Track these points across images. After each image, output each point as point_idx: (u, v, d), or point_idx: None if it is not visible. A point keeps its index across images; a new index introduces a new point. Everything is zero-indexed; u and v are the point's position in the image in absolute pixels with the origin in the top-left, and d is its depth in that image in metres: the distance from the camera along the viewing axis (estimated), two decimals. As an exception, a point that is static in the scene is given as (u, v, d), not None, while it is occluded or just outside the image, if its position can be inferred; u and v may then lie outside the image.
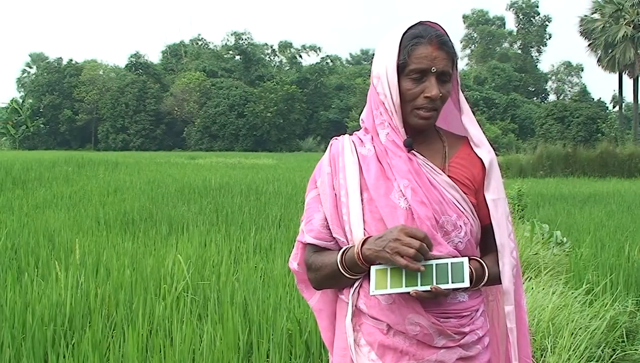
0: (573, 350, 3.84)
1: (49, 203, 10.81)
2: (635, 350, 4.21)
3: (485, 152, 1.73)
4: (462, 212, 1.68)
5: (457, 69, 1.74)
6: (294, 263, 1.85)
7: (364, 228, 1.68)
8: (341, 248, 1.71)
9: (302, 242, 1.79)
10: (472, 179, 1.73)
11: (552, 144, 28.25)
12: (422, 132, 1.73)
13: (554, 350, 3.88)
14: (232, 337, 3.71)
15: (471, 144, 1.76)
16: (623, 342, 4.35)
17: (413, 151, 1.70)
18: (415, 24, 1.69)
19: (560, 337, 4.00)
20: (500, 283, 1.72)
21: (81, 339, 3.74)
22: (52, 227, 7.97)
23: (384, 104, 1.70)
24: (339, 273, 1.67)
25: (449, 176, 1.70)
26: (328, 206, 1.73)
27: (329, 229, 1.73)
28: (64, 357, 3.49)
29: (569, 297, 4.82)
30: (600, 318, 4.39)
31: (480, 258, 1.72)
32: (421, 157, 1.70)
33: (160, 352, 3.55)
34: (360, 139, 1.77)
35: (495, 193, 1.72)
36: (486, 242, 1.76)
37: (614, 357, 4.10)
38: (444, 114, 1.83)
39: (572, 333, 4.02)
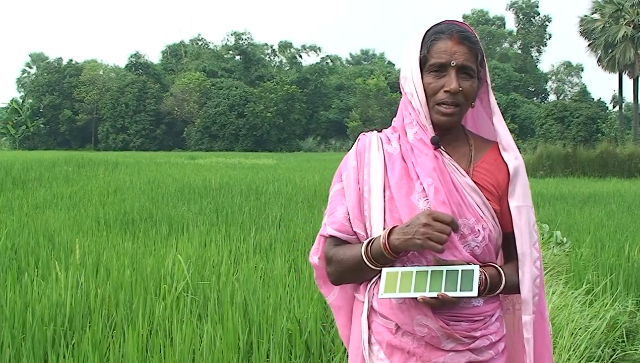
0: (573, 350, 3.84)
1: (49, 203, 10.81)
2: (635, 350, 4.22)
3: (512, 157, 1.71)
4: (481, 216, 1.67)
5: (485, 68, 1.73)
6: (314, 258, 1.83)
7: (384, 227, 1.67)
8: (361, 242, 1.69)
9: (324, 235, 1.76)
10: (496, 186, 1.71)
11: (552, 144, 28.25)
12: (449, 131, 1.72)
13: (554, 350, 3.87)
14: (232, 337, 3.71)
15: (500, 147, 1.74)
16: (623, 342, 4.35)
17: (440, 149, 1.69)
18: (440, 22, 1.70)
19: (560, 337, 4.00)
20: (519, 293, 1.70)
21: (81, 339, 3.74)
22: (52, 227, 7.96)
23: (411, 103, 1.70)
24: (363, 265, 1.65)
25: (472, 180, 1.69)
26: (351, 199, 1.72)
27: (351, 222, 1.72)
28: (64, 357, 3.48)
29: (569, 297, 4.82)
30: (600, 318, 4.39)
31: (500, 266, 1.70)
32: (447, 156, 1.69)
33: (160, 352, 3.55)
34: (387, 136, 1.77)
35: (520, 200, 1.69)
36: (509, 249, 1.74)
37: (614, 357, 4.10)
38: (473, 117, 1.83)
39: (572, 333, 4.02)
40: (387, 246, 1.59)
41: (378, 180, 1.70)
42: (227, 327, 3.79)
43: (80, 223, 8.45)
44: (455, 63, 1.65)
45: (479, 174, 1.70)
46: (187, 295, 4.71)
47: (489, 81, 1.75)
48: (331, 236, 1.74)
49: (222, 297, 4.58)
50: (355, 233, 1.71)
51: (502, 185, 1.71)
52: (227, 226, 8.35)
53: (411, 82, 1.69)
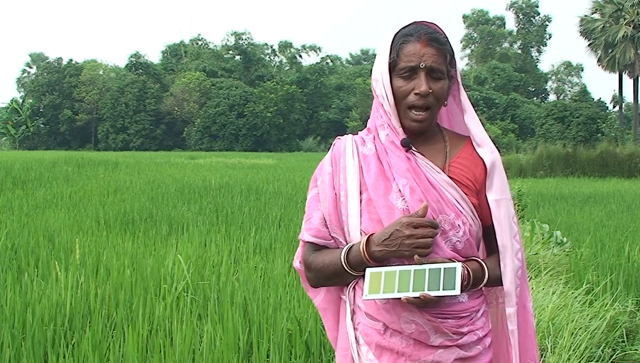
0: (573, 350, 3.84)
1: (49, 203, 10.81)
2: (635, 350, 4.22)
3: (487, 152, 1.72)
4: (460, 211, 1.68)
5: (455, 67, 1.74)
6: (297, 262, 1.85)
7: (361, 229, 1.68)
8: (339, 247, 1.71)
9: (302, 240, 1.79)
10: (473, 180, 1.72)
11: (552, 144, 28.25)
12: (422, 132, 1.73)
13: (554, 350, 3.88)
14: (232, 337, 3.71)
15: (473, 144, 1.75)
16: (623, 342, 4.35)
17: (412, 150, 1.70)
18: (409, 24, 1.71)
19: (560, 337, 4.00)
20: (502, 285, 1.71)
21: (81, 339, 3.74)
22: (52, 227, 7.96)
23: (382, 105, 1.71)
24: (343, 271, 1.68)
25: (449, 176, 1.70)
26: (327, 205, 1.73)
27: (328, 227, 1.73)
28: (64, 357, 3.49)
29: (569, 297, 4.82)
30: (600, 318, 4.39)
31: (483, 259, 1.72)
32: (420, 156, 1.70)
33: (160, 352, 3.55)
34: (362, 138, 1.78)
35: (498, 193, 1.70)
36: (491, 243, 1.75)
37: (614, 357, 4.10)
38: (448, 114, 1.83)
39: (572, 333, 4.02)
40: (367, 257, 1.63)
41: (354, 184, 1.71)
42: (227, 327, 3.79)
43: (80, 223, 8.45)
44: (424, 65, 1.65)
45: (455, 170, 1.72)
46: (187, 295, 4.71)
47: (459, 80, 1.76)
48: (309, 241, 1.76)
49: (222, 297, 4.58)
50: (333, 238, 1.73)
51: (480, 179, 1.72)
52: (227, 226, 8.34)
53: (381, 85, 1.69)
